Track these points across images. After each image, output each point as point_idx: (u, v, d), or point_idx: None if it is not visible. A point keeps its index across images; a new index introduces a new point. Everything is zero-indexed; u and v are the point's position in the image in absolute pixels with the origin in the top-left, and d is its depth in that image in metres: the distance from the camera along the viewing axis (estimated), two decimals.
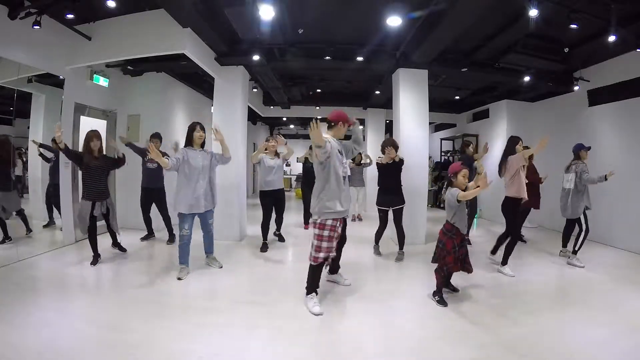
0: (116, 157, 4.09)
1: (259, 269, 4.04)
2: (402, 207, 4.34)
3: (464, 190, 2.95)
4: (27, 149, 4.68)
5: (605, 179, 3.95)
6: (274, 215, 4.93)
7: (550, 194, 5.39)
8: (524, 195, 3.76)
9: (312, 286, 2.95)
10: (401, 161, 4.33)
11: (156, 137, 4.95)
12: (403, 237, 4.40)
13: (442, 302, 2.98)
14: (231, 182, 5.26)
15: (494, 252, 4.28)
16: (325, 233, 2.84)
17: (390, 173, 4.32)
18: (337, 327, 2.60)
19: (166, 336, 2.39)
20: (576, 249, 4.12)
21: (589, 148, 4.24)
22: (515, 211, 3.83)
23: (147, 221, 5.12)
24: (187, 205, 3.52)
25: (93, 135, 3.85)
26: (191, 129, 3.65)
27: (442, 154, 10.15)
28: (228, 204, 5.24)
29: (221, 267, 3.91)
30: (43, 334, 2.33)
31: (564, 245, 4.49)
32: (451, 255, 2.93)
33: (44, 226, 4.92)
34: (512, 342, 2.36)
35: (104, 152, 4.06)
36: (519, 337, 2.43)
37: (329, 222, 2.84)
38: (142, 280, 3.48)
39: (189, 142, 3.65)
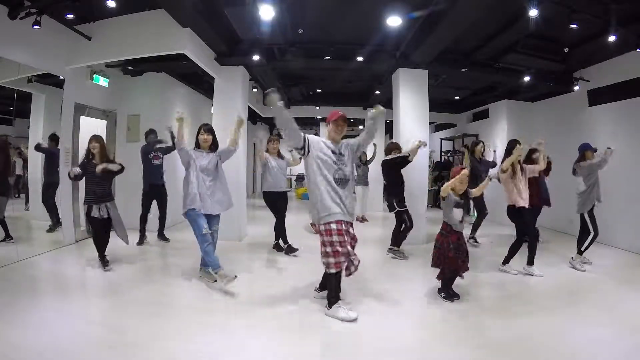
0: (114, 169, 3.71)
1: (258, 269, 4.03)
2: None
3: (459, 195, 2.98)
4: (27, 147, 4.68)
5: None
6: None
7: (551, 194, 5.38)
8: (516, 203, 3.66)
9: (333, 296, 2.74)
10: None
11: (152, 132, 5.00)
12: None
13: (448, 297, 3.00)
14: (231, 182, 5.20)
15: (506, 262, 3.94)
16: (327, 238, 2.66)
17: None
18: (337, 327, 2.59)
19: (166, 336, 2.39)
20: (582, 248, 3.98)
21: (595, 150, 4.07)
22: (513, 218, 3.80)
23: (145, 219, 4.88)
24: (198, 202, 3.31)
25: (92, 138, 3.79)
26: (198, 132, 3.56)
27: (442, 154, 10.15)
28: None
29: (215, 281, 3.30)
30: (43, 334, 2.33)
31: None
32: (450, 253, 2.92)
33: (50, 227, 4.85)
34: (512, 342, 2.36)
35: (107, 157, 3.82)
36: (519, 337, 2.43)
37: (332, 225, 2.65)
38: (142, 281, 3.48)
39: (197, 144, 3.55)
